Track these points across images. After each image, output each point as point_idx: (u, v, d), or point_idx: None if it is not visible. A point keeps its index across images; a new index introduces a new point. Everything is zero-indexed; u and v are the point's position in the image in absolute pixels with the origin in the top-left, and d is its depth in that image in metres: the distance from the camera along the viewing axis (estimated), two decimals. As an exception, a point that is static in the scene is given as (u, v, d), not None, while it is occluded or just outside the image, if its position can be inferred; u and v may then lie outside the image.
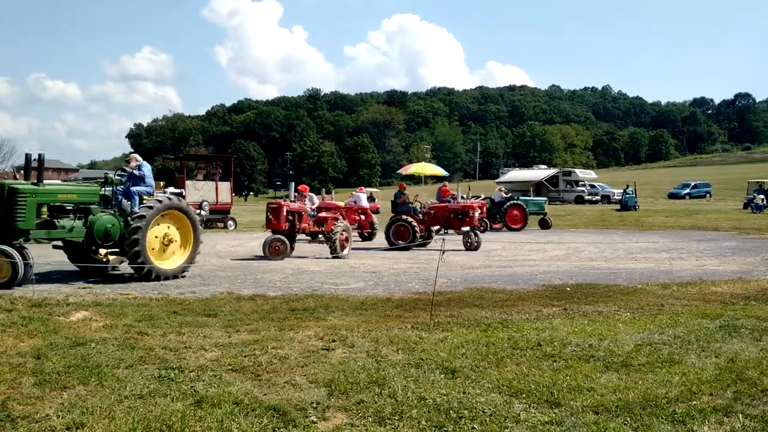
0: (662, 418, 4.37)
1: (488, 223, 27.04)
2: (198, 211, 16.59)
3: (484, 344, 6.34)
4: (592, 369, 5.50)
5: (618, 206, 43.42)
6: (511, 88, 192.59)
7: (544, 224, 29.59)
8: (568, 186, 54.67)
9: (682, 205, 46.79)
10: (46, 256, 14.94)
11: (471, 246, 18.06)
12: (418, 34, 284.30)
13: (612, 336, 6.73)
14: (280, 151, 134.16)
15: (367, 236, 22.18)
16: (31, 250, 13.77)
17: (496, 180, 65.90)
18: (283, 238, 15.56)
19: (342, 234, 16.10)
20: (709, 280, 11.30)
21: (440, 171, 26.68)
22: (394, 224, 18.85)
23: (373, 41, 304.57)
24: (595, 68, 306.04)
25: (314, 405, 4.60)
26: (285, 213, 15.93)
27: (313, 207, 17.93)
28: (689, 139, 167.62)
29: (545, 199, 34.65)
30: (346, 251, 16.14)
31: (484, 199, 28.81)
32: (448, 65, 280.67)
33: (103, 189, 11.51)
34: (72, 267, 12.19)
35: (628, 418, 4.35)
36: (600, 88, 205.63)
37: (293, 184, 19.52)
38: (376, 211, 29.04)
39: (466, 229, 18.51)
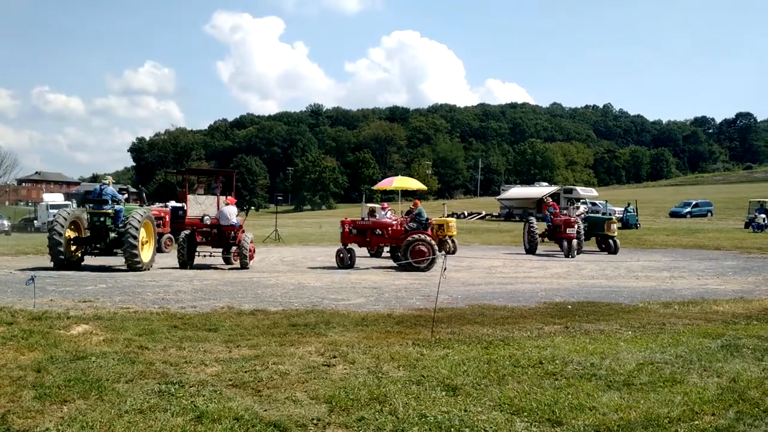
0: (664, 438, 4.35)
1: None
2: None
3: (485, 362, 6.32)
4: (594, 388, 5.48)
5: (619, 224, 43.36)
6: (513, 106, 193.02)
7: (608, 247, 24.21)
8: (569, 203, 54.66)
9: (684, 223, 46.80)
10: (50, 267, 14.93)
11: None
12: (418, 51, 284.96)
13: (614, 355, 6.71)
14: (282, 166, 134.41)
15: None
16: (33, 261, 13.77)
17: (498, 197, 66.02)
18: None
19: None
20: (711, 300, 11.27)
21: (418, 185, 25.61)
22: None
23: (374, 57, 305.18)
24: (596, 86, 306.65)
25: (315, 421, 4.58)
26: None
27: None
28: (690, 158, 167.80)
29: (606, 216, 26.79)
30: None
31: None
32: (449, 82, 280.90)
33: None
34: (72, 280, 12.18)
35: (630, 438, 4.33)
36: (601, 106, 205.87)
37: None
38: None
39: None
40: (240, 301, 10.56)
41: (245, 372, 5.85)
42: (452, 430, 4.43)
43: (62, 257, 15.31)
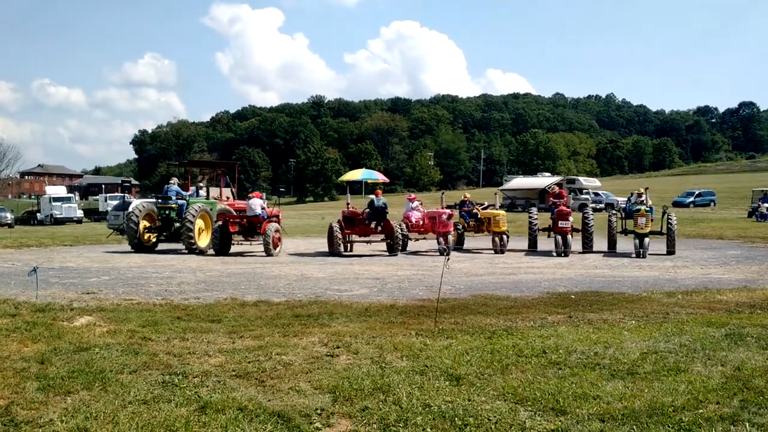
0: (669, 426, 4.34)
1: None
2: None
3: (488, 351, 6.32)
4: (598, 377, 5.47)
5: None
6: (515, 96, 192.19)
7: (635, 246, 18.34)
8: (572, 194, 54.55)
9: (687, 213, 46.66)
10: (51, 260, 14.97)
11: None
12: (418, 41, 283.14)
13: (617, 344, 6.70)
14: (284, 157, 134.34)
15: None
16: (36, 254, 13.81)
17: (500, 188, 65.92)
18: None
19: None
20: (715, 289, 11.24)
21: (351, 176, 24.24)
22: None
23: (373, 49, 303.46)
24: (599, 76, 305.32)
25: (319, 411, 4.58)
26: None
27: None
28: (693, 148, 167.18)
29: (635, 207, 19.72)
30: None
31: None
32: (450, 72, 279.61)
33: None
34: (76, 272, 12.19)
35: (634, 427, 4.32)
36: (604, 96, 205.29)
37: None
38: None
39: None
40: (243, 292, 10.57)
41: (249, 363, 5.85)
42: (456, 419, 4.43)
43: (137, 242, 19.22)
